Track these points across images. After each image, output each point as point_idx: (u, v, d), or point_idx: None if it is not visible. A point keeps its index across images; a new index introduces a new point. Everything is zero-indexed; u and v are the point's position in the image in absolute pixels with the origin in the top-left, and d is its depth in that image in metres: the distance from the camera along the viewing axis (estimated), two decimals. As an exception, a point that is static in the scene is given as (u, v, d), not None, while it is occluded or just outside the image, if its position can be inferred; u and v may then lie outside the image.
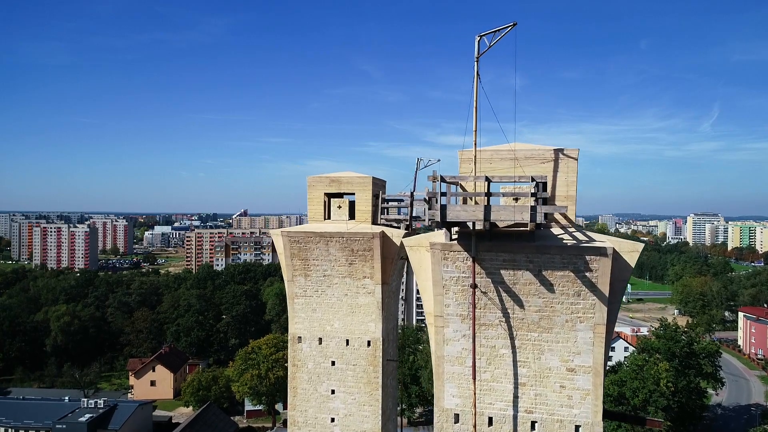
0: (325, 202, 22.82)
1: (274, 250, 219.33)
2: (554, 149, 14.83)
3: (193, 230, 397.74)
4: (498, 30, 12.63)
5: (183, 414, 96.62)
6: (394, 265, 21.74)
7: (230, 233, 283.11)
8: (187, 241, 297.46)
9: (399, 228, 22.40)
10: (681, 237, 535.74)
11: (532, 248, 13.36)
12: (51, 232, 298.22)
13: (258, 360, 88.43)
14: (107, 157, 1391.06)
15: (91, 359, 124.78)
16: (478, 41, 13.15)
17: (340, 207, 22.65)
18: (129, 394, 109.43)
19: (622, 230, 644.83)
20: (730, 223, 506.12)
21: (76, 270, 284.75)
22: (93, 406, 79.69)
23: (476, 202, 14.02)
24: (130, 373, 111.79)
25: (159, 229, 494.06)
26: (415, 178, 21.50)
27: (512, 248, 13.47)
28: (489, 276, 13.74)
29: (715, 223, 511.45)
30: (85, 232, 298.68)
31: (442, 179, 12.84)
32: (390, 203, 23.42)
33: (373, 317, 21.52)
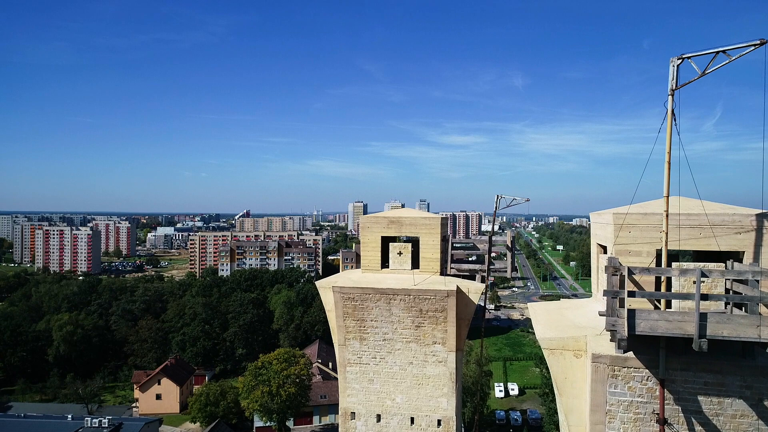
0: (382, 247, 18.77)
1: (279, 255, 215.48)
2: (756, 214, 10.58)
3: (196, 232, 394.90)
4: (720, 51, 8.43)
5: (190, 430, 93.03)
6: (469, 327, 17.77)
7: (234, 236, 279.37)
8: (191, 244, 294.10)
9: (474, 280, 18.34)
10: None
11: (753, 369, 9.26)
12: (53, 234, 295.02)
13: (268, 376, 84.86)
14: (110, 157, 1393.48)
15: (94, 369, 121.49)
16: (678, 65, 8.97)
17: (400, 254, 18.56)
18: (134, 408, 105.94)
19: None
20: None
21: (79, 273, 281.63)
22: (97, 425, 75.91)
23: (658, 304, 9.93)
24: (135, 387, 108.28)
25: (162, 231, 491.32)
26: (494, 220, 17.48)
27: (721, 367, 9.39)
28: (678, 403, 9.66)
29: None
30: (88, 234, 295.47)
31: (630, 273, 8.71)
32: (456, 247, 19.37)
33: (444, 391, 17.51)
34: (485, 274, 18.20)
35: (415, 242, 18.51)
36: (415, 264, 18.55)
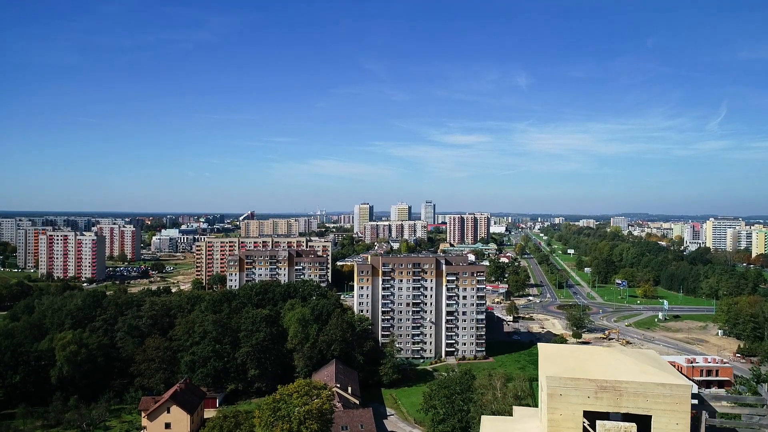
0: (584, 426, 11.43)
1: (290, 264, 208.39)
2: None
3: (202, 235, 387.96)
4: None
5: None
6: None
7: (242, 243, 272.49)
8: (197, 249, 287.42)
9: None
10: (700, 241, 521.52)
11: None
12: (57, 240, 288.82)
13: (288, 411, 77.79)
14: (114, 157, 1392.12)
15: (99, 391, 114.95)
16: None
17: (616, 440, 11.11)
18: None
19: (635, 233, 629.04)
20: (752, 227, 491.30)
21: (84, 279, 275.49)
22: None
23: None
24: (143, 414, 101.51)
25: (166, 233, 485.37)
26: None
27: None
28: None
29: (737, 227, 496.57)
30: (92, 240, 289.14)
31: None
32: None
33: None
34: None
35: (640, 420, 11.12)
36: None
